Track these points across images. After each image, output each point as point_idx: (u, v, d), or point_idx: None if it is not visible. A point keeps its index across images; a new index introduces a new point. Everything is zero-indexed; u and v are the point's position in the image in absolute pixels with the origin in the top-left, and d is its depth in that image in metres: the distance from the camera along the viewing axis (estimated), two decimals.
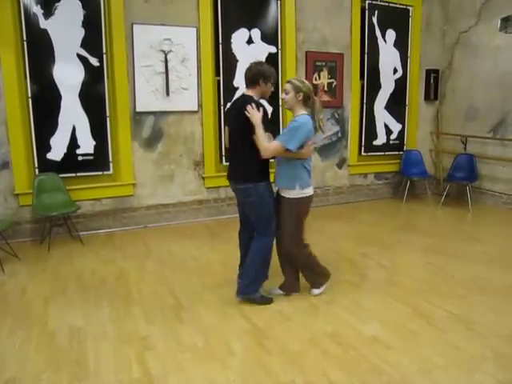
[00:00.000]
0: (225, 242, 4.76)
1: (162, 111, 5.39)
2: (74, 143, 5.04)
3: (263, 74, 3.21)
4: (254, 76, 3.20)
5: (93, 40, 4.96)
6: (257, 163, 3.18)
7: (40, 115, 4.85)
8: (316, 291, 3.49)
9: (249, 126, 3.06)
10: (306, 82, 3.25)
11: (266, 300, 3.36)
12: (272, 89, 3.32)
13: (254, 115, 3.03)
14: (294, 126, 3.14)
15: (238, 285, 3.39)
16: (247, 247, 3.37)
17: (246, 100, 3.16)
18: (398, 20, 6.70)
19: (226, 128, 3.49)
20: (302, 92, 3.17)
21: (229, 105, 3.90)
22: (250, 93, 3.23)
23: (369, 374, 2.48)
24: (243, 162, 3.24)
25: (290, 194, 3.23)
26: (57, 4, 4.75)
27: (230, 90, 5.66)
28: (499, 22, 5.75)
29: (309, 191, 3.26)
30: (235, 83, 5.67)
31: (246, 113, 3.05)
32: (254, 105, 3.07)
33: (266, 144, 3.07)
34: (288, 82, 3.26)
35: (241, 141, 3.19)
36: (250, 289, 3.31)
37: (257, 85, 3.21)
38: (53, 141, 4.94)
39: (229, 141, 3.39)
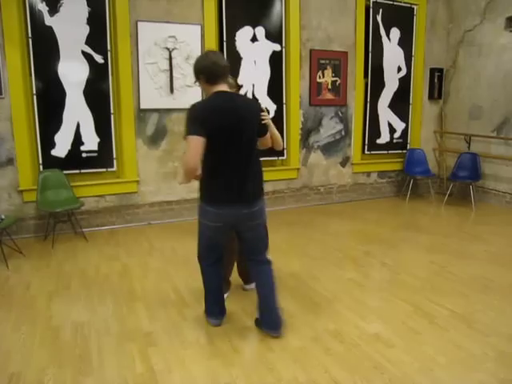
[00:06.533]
0: None
1: (166, 108, 5.40)
2: (78, 140, 5.06)
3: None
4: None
5: (97, 37, 4.97)
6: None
7: (44, 112, 4.87)
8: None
9: (256, 131, 2.70)
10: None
11: None
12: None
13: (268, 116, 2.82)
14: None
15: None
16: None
17: (256, 102, 2.95)
18: (402, 18, 6.68)
19: (204, 136, 2.47)
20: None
21: (222, 103, 2.71)
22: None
23: (371, 371, 2.49)
24: (260, 175, 2.75)
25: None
26: (62, 1, 4.76)
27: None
28: (504, 20, 5.75)
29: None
30: (239, 81, 5.66)
31: (265, 117, 2.74)
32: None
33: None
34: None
35: (255, 150, 2.69)
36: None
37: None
38: (57, 137, 4.97)
39: (237, 153, 2.59)
